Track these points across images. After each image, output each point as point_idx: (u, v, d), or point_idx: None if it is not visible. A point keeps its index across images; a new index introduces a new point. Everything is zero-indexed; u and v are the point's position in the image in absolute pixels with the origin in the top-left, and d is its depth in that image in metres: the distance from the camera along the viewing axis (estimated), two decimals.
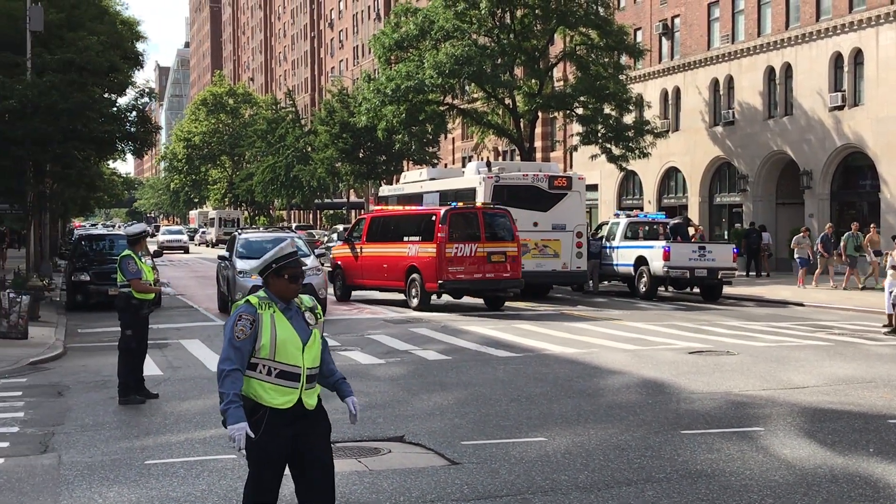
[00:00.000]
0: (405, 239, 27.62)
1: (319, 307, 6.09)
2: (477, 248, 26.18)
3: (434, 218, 26.60)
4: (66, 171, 33.34)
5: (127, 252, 13.99)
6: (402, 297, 28.25)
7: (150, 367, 16.74)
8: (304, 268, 22.90)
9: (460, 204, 26.86)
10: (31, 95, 28.79)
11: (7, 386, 15.24)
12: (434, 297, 27.09)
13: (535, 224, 30.21)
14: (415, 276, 26.85)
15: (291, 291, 5.85)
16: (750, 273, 39.67)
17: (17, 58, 30.96)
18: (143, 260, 13.97)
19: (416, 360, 17.09)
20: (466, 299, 28.78)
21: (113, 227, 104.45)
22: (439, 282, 26.09)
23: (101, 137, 31.33)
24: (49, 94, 28.85)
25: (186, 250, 77.18)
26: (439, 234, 26.14)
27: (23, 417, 12.56)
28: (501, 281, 26.64)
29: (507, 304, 28.54)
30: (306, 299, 6.02)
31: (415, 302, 26.91)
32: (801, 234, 34.70)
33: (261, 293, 5.86)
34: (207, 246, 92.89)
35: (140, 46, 37.38)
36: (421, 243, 26.79)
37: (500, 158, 65.78)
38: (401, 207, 31.34)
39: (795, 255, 34.39)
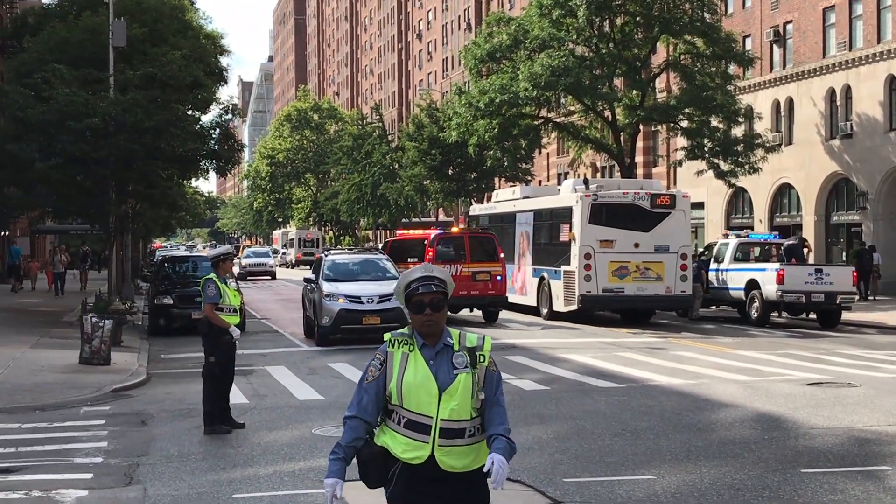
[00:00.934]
0: (408, 260, 31.42)
1: (487, 349, 5.20)
2: (462, 268, 30.35)
3: (426, 242, 32.07)
4: (149, 190, 34.08)
5: (210, 275, 14.24)
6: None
7: (236, 395, 16.96)
8: (392, 290, 23.12)
9: (452, 229, 32.99)
10: (114, 113, 29.54)
11: (90, 414, 15.59)
12: None
13: (636, 245, 29.97)
14: None
15: (419, 323, 5.15)
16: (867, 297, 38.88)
17: (100, 74, 31.80)
18: (227, 283, 14.17)
19: (512, 390, 17.02)
20: (463, 313, 32.56)
21: (193, 247, 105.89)
22: None
23: (184, 156, 31.99)
24: (133, 112, 29.57)
25: (273, 276, 68.90)
26: (428, 256, 30.88)
27: (106, 447, 12.82)
28: (486, 297, 30.76)
29: (607, 330, 28.44)
30: (471, 338, 5.21)
31: None
32: None
33: (405, 329, 5.25)
34: (288, 267, 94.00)
35: (224, 61, 38.16)
36: (415, 264, 27.91)
37: (599, 175, 65.44)
38: (420, 231, 38.17)
39: None
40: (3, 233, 55.02)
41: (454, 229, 37.56)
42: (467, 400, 5.06)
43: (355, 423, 5.17)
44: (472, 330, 21.20)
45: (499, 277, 30.76)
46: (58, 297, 42.38)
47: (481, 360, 5.15)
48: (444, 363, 5.11)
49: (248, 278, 64.52)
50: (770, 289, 29.89)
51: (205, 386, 13.98)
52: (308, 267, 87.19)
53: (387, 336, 5.25)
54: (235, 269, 30.27)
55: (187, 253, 46.34)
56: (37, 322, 30.84)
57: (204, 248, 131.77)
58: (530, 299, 33.55)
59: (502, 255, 31.56)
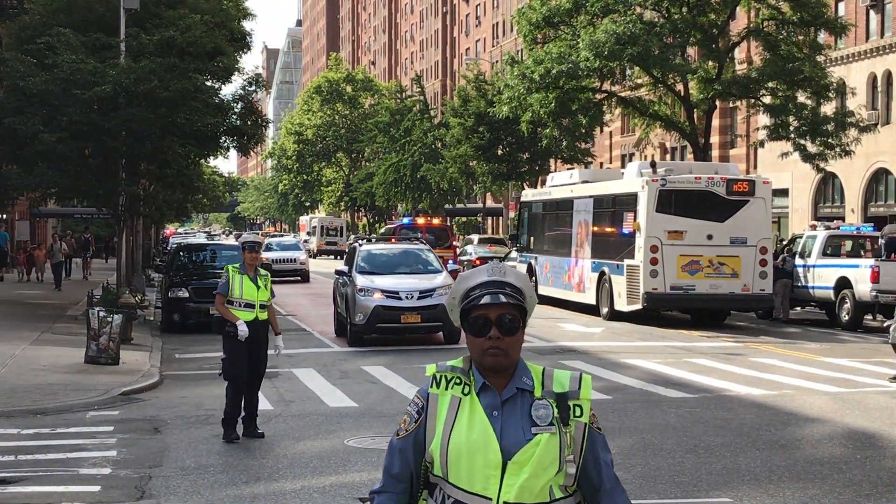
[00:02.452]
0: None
1: (586, 396, 3.88)
2: None
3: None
4: (163, 170, 34.33)
5: (234, 264, 14.62)
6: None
7: (259, 401, 17.09)
8: (434, 285, 22.90)
9: (417, 220, 39.49)
10: (125, 82, 29.75)
11: (98, 419, 15.76)
12: None
13: (710, 237, 29.80)
14: None
15: (479, 352, 3.83)
16: None
17: (110, 39, 32.01)
18: (248, 275, 14.28)
19: None
20: None
21: (214, 234, 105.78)
22: None
23: (202, 131, 32.18)
24: (147, 81, 29.76)
25: (305, 276, 55.22)
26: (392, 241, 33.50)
27: (115, 457, 12.95)
28: None
29: (676, 332, 28.38)
30: (561, 377, 3.90)
31: None
32: None
33: (457, 360, 3.95)
34: (309, 256, 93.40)
35: (247, 25, 38.33)
36: None
37: (668, 157, 65.14)
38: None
39: None
40: (1, 216, 55.66)
41: (419, 220, 57.26)
42: (547, 473, 3.76)
43: (385, 499, 3.98)
44: (564, 363, 21.19)
45: (451, 262, 40.46)
46: (56, 290, 42.67)
47: (577, 412, 3.85)
48: (515, 415, 3.81)
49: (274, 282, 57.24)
50: (863, 288, 29.60)
51: (226, 386, 14.29)
52: (331, 258, 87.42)
53: (429, 370, 3.95)
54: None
55: (206, 241, 46.45)
56: (38, 316, 31.21)
57: (227, 235, 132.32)
58: (588, 297, 33.48)
59: (455, 243, 34.19)
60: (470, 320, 3.87)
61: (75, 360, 21.18)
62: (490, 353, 3.81)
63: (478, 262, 50.79)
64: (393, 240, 34.41)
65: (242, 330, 13.94)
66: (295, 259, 55.95)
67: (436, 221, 65.61)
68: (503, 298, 3.85)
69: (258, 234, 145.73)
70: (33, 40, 31.41)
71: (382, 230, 76.42)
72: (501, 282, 3.91)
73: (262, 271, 14.60)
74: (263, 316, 14.35)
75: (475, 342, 3.85)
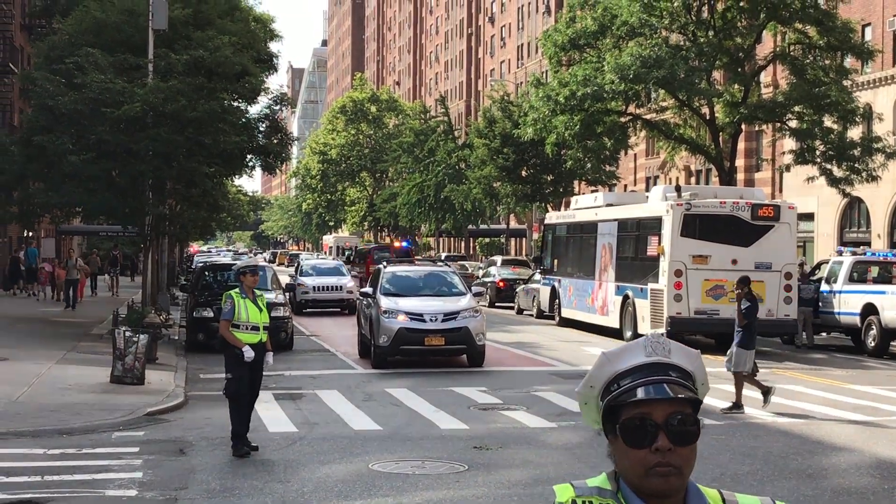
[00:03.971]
0: None
1: None
2: None
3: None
4: (190, 189, 34.48)
5: (234, 290, 15.06)
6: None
7: (282, 423, 17.17)
8: (459, 307, 22.89)
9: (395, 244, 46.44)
10: (154, 101, 29.92)
11: (123, 440, 15.80)
12: None
13: (734, 262, 29.68)
14: None
15: (640, 469, 2.74)
16: None
17: (138, 59, 32.21)
18: (250, 298, 14.79)
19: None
20: None
21: (241, 254, 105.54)
22: None
23: (230, 151, 32.31)
24: (175, 101, 29.92)
25: (352, 308, 41.06)
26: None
27: (141, 479, 12.98)
28: None
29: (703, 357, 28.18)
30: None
31: None
32: None
33: (599, 477, 2.85)
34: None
35: (274, 47, 38.42)
36: None
37: (693, 180, 65.01)
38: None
39: None
40: (28, 233, 55.98)
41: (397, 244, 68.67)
42: None
43: None
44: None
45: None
46: (68, 309, 42.23)
47: None
48: None
49: (307, 311, 44.58)
50: (890, 315, 29.42)
51: (229, 405, 14.78)
52: None
53: (563, 493, 2.78)
54: (277, 295, 30.08)
55: (230, 260, 46.28)
56: (62, 334, 31.33)
57: (253, 254, 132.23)
58: (612, 320, 33.43)
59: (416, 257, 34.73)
60: (623, 423, 2.75)
61: (101, 380, 21.24)
62: (658, 472, 2.71)
63: (502, 284, 50.75)
64: (370, 260, 35.86)
65: (249, 355, 14.55)
66: (341, 286, 45.77)
67: (396, 244, 71.76)
68: (672, 391, 2.78)
69: (273, 252, 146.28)
70: (62, 60, 31.64)
71: (361, 247, 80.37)
72: (665, 364, 2.84)
73: (259, 293, 15.23)
74: (265, 337, 14.91)
75: (632, 455, 2.73)
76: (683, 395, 2.76)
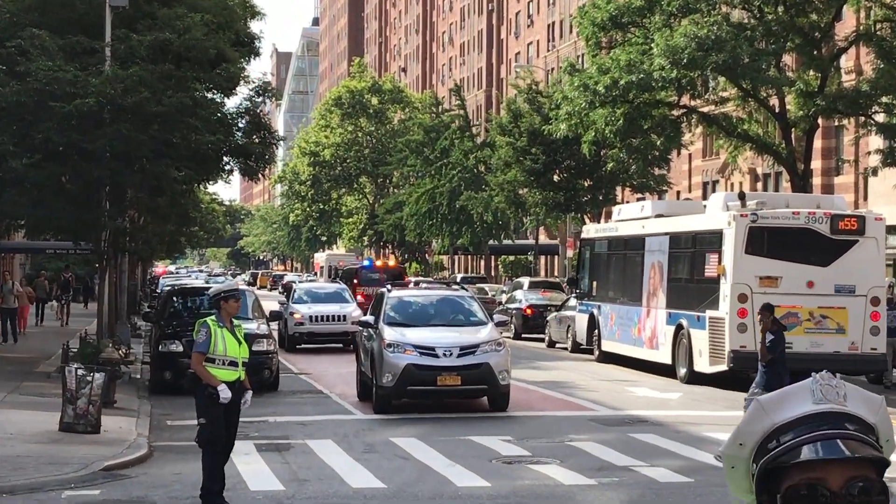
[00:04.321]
0: None
1: None
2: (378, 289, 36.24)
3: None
4: (155, 197, 34.53)
5: (209, 317, 15.08)
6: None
7: (265, 479, 17.18)
8: (478, 340, 22.77)
9: (377, 262, 51.52)
10: (111, 93, 29.97)
11: (75, 500, 15.83)
12: None
13: (810, 284, 29.63)
14: None
15: None
16: None
17: (93, 42, 32.26)
18: (227, 328, 14.81)
19: (642, 480, 16.98)
20: None
21: (219, 275, 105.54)
22: None
23: (203, 152, 32.36)
24: (136, 91, 29.96)
25: (355, 342, 33.27)
26: (354, 282, 44.90)
27: None
28: None
29: None
30: None
31: None
32: None
33: None
34: None
35: (255, 27, 38.52)
36: None
37: (760, 186, 65.00)
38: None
39: None
40: None
41: (378, 262, 78.60)
42: None
43: None
44: (634, 436, 20.83)
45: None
46: (7, 343, 42.08)
47: None
48: None
49: (302, 346, 44.28)
50: None
51: (202, 455, 14.81)
52: None
53: None
54: (259, 325, 30.03)
55: (204, 284, 46.24)
56: (2, 372, 31.35)
57: (232, 274, 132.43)
58: (663, 355, 33.38)
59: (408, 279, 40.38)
60: (786, 494, 2.55)
61: (48, 427, 21.24)
62: None
63: (529, 311, 50.69)
64: (356, 279, 38.00)
65: (225, 395, 14.46)
66: (344, 316, 43.85)
67: (391, 263, 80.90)
68: (850, 449, 2.55)
69: (252, 273, 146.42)
70: (1, 44, 31.70)
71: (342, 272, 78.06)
72: (840, 414, 2.62)
73: (236, 322, 15.22)
74: (243, 375, 14.94)
75: None
76: (866, 454, 2.53)
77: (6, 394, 26.33)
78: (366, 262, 79.65)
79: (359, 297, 51.56)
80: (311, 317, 44.00)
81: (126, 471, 18.09)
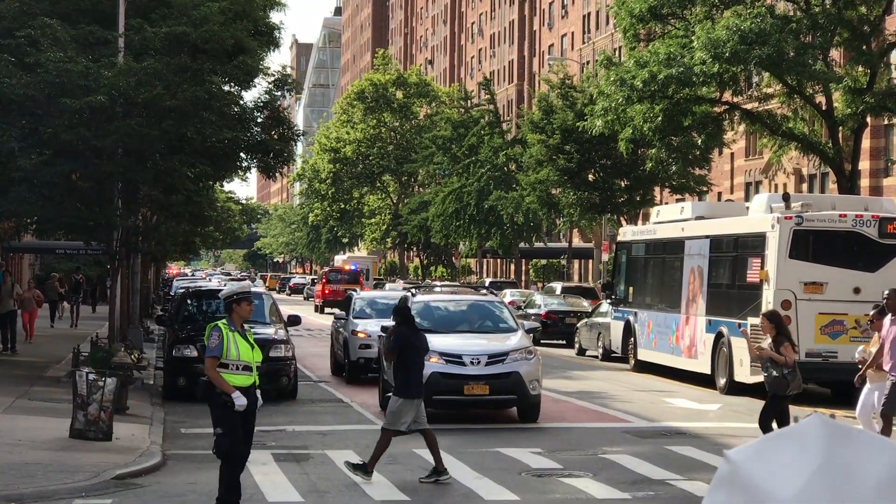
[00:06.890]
0: None
1: None
2: (341, 287, 54.82)
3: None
4: (169, 195, 34.66)
5: (220, 321, 15.09)
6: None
7: (283, 490, 17.28)
8: (507, 347, 22.66)
9: (346, 266, 71.36)
10: (124, 87, 30.11)
11: None
12: None
13: (857, 291, 29.55)
14: None
15: None
16: None
17: (106, 33, 32.36)
18: (239, 332, 14.90)
19: (678, 495, 17.04)
20: None
21: (230, 277, 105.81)
22: None
23: (219, 148, 32.47)
24: (149, 85, 30.08)
25: None
26: (322, 282, 59.13)
27: None
28: None
29: (812, 412, 28.10)
30: None
31: None
32: None
33: None
34: (318, 311, 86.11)
35: (275, 17, 38.55)
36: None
37: (805, 187, 64.86)
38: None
39: None
40: None
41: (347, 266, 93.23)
42: None
43: None
44: (671, 449, 20.56)
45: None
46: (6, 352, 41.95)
47: None
48: None
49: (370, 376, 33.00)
50: None
51: (221, 466, 14.93)
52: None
53: None
54: (277, 329, 29.83)
55: (221, 285, 46.46)
56: (11, 377, 31.47)
57: (252, 277, 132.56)
58: (702, 364, 33.35)
59: (363, 279, 51.60)
60: None
61: (58, 434, 21.36)
62: None
63: (551, 316, 50.51)
64: (324, 280, 43.60)
65: (240, 402, 14.55)
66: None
67: (347, 267, 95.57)
68: None
69: (261, 275, 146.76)
70: (11, 33, 31.78)
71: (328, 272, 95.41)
72: None
73: (246, 326, 15.34)
74: (258, 379, 15.04)
75: None
76: None
77: (14, 399, 26.45)
78: (352, 266, 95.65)
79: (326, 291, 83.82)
80: (373, 332, 33.19)
81: (139, 479, 18.19)
